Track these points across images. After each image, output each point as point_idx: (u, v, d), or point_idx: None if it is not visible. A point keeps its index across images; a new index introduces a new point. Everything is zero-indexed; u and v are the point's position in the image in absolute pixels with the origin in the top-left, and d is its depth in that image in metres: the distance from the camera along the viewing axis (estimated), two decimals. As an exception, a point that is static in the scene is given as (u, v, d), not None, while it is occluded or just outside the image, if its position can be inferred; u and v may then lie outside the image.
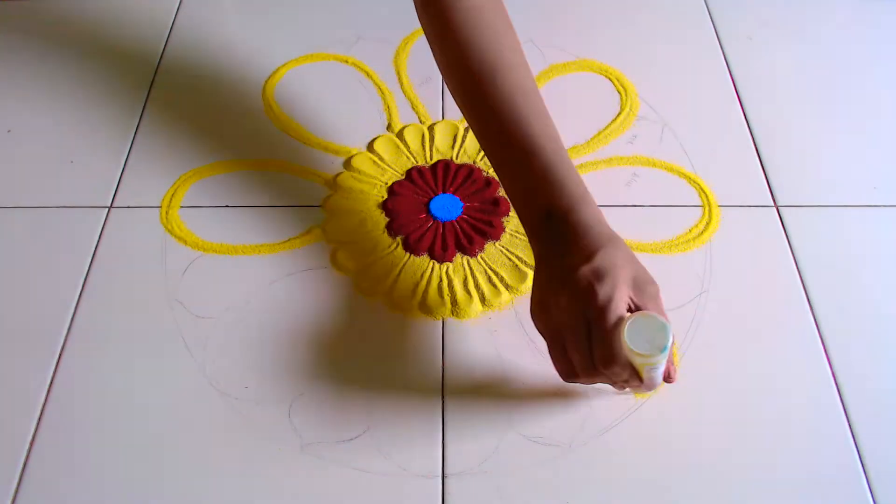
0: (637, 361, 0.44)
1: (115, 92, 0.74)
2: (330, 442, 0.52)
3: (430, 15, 0.54)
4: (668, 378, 0.50)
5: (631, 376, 0.46)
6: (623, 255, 0.47)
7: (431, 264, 0.61)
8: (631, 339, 0.43)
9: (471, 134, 0.70)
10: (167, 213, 0.65)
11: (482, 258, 0.62)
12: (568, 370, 0.48)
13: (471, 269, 0.61)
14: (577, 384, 0.52)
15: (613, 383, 0.49)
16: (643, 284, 0.46)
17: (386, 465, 0.51)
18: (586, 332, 0.45)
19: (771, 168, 0.68)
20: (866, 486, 0.50)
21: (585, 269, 0.45)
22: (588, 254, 0.46)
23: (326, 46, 0.79)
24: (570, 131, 0.70)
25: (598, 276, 0.45)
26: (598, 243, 0.46)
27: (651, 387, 0.48)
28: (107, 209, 0.65)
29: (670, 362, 0.49)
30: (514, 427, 0.53)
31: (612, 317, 0.44)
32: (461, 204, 0.65)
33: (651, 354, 0.43)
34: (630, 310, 0.46)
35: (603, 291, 0.44)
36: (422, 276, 0.61)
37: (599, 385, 0.53)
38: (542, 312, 0.48)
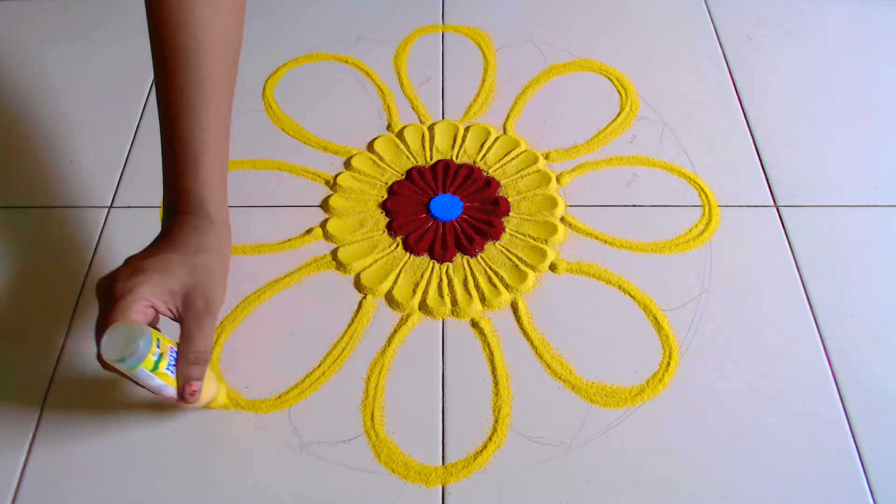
0: (112, 366, 0.44)
1: (115, 92, 0.74)
2: (330, 442, 0.52)
3: None
4: (181, 395, 0.47)
5: (130, 379, 0.46)
6: (186, 268, 0.46)
7: (431, 264, 0.61)
8: (106, 344, 0.43)
9: (471, 134, 0.70)
10: (167, 213, 0.65)
11: (482, 258, 0.62)
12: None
13: (471, 269, 0.61)
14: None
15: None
16: (192, 301, 0.46)
17: (386, 466, 0.51)
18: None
19: (771, 168, 0.68)
20: (866, 486, 0.50)
21: (126, 271, 0.46)
22: (148, 256, 0.47)
23: (326, 46, 0.79)
24: (570, 131, 0.71)
25: (126, 278, 0.45)
26: (171, 250, 0.47)
27: (167, 395, 0.47)
28: (107, 209, 0.65)
29: (188, 380, 0.47)
30: (514, 427, 0.53)
31: (102, 319, 0.45)
32: (461, 204, 0.65)
33: (116, 359, 0.43)
34: (177, 319, 0.47)
35: (116, 292, 0.45)
36: (422, 276, 0.60)
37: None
38: None
